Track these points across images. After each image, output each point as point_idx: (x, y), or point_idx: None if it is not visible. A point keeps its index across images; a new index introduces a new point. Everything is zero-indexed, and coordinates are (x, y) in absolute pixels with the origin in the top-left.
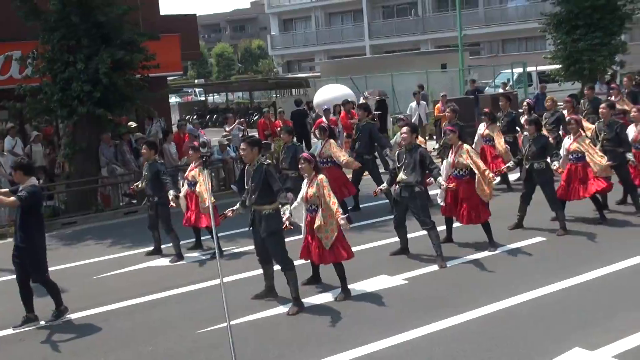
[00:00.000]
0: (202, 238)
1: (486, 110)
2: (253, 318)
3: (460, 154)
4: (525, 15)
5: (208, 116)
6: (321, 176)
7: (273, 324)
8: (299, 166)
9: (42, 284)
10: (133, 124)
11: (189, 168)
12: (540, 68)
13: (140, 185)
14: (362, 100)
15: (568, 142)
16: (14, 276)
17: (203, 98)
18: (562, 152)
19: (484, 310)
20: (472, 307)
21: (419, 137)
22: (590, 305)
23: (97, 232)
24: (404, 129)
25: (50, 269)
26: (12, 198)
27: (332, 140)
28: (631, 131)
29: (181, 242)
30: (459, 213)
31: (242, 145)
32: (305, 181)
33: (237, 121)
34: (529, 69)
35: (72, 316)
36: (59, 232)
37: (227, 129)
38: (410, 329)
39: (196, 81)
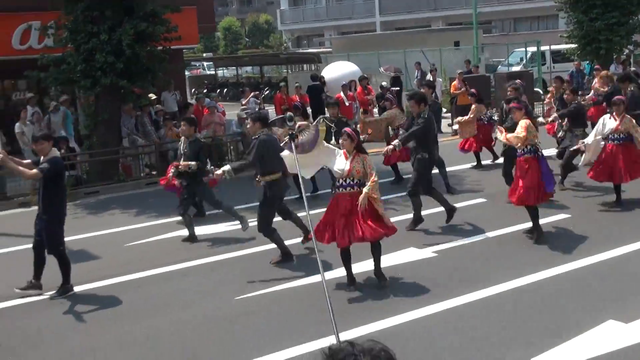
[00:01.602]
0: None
1: (473, 91)
2: (289, 286)
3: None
4: None
5: (218, 90)
6: (365, 154)
7: (308, 293)
8: (340, 141)
9: (56, 257)
10: (153, 96)
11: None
12: (554, 47)
13: (181, 165)
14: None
15: (613, 122)
16: None
17: (211, 72)
18: (600, 130)
19: (515, 283)
20: (501, 280)
21: None
22: (623, 280)
23: (120, 201)
24: (411, 101)
25: (79, 236)
26: (34, 171)
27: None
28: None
29: (208, 213)
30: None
31: (248, 120)
32: (340, 156)
33: (252, 94)
34: (542, 47)
35: (107, 282)
36: (82, 201)
37: (243, 102)
38: (443, 300)
39: (204, 55)
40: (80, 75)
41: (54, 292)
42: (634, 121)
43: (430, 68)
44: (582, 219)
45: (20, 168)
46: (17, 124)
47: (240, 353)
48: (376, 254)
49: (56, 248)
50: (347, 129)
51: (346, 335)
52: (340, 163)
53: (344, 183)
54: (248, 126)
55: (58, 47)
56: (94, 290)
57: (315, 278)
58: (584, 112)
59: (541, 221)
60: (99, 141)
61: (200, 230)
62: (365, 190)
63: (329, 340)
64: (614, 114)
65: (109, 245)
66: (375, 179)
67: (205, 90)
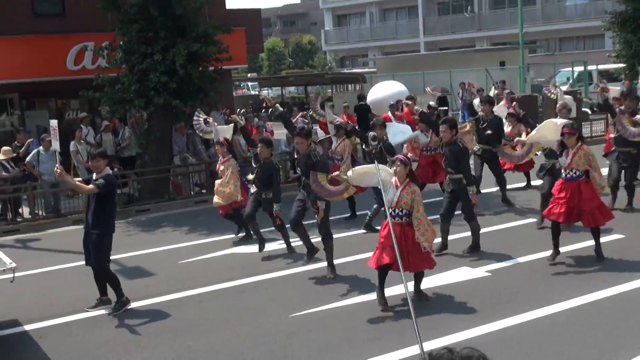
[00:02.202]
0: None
1: (511, 111)
2: (342, 304)
3: (580, 156)
4: (584, 14)
5: (263, 110)
6: (415, 187)
7: (361, 310)
8: (395, 169)
9: (102, 273)
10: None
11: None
12: (601, 67)
13: (250, 177)
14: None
15: None
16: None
17: (256, 92)
18: None
19: (569, 304)
20: (556, 300)
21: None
22: None
23: (171, 219)
24: (443, 126)
25: (134, 253)
26: (91, 186)
27: (347, 141)
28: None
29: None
30: (577, 216)
31: (297, 139)
32: (391, 184)
33: (300, 114)
34: (589, 67)
35: (164, 298)
36: (134, 218)
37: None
38: (496, 320)
39: (249, 75)
40: (134, 95)
41: (111, 308)
42: None
43: (494, 86)
44: (635, 238)
45: (78, 183)
46: (72, 143)
47: None
48: (420, 278)
49: (103, 263)
50: (400, 156)
51: (400, 354)
52: (390, 193)
53: (392, 213)
54: (297, 143)
55: (112, 67)
56: (151, 306)
57: (367, 297)
58: None
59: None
60: (151, 159)
61: (253, 248)
62: (423, 244)
63: (388, 357)
64: None
65: (163, 262)
66: (422, 218)
67: (251, 110)
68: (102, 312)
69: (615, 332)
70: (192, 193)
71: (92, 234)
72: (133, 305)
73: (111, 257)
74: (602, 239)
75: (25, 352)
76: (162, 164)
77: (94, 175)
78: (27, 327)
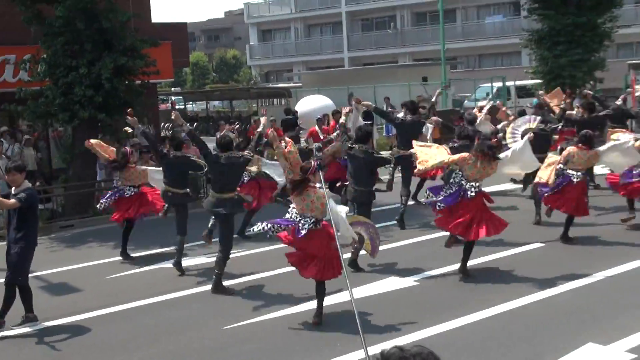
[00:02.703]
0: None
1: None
2: (275, 315)
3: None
4: (502, 31)
5: (188, 124)
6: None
7: (294, 321)
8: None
9: (18, 285)
10: (129, 130)
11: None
12: (518, 83)
13: None
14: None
15: None
16: None
17: (180, 106)
18: None
19: (495, 310)
20: (483, 307)
21: None
22: (599, 304)
23: (96, 234)
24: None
25: (59, 269)
26: (13, 200)
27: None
28: None
29: (192, 245)
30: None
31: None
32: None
33: (227, 127)
34: (507, 83)
35: (92, 314)
36: (57, 234)
37: (218, 135)
38: (424, 328)
39: (172, 89)
40: (58, 108)
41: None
42: None
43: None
44: (555, 247)
45: None
46: None
47: None
48: None
49: (19, 277)
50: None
51: None
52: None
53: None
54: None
55: (35, 80)
56: (79, 322)
57: (297, 308)
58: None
59: (515, 250)
60: (75, 174)
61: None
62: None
63: None
64: None
65: (90, 278)
66: None
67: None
68: (28, 329)
69: (538, 337)
70: None
71: (14, 247)
72: (60, 321)
73: (37, 274)
74: (524, 248)
75: None
76: (86, 178)
77: (13, 190)
78: None
